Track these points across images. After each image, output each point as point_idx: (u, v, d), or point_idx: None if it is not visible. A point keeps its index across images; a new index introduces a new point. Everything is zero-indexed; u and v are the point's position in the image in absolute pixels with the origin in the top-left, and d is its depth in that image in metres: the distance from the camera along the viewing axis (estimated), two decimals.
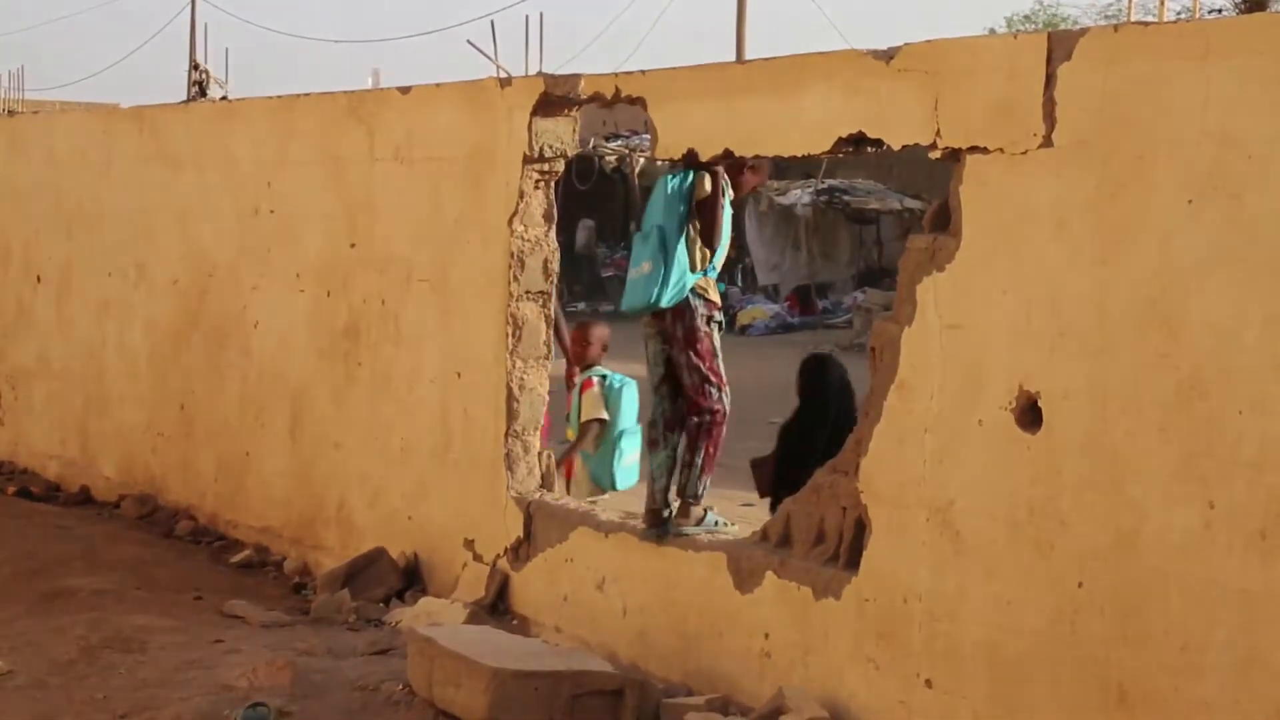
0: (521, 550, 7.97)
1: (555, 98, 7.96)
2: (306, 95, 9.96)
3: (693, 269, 7.22)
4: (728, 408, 7.33)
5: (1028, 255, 5.56)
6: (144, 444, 11.27)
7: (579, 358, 8.85)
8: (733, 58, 31.70)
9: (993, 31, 38.62)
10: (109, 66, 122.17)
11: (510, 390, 8.10)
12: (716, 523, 7.29)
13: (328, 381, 9.46)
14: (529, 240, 8.14)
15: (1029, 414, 5.55)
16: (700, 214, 7.25)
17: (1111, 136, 5.28)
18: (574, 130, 8.15)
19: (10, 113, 24.43)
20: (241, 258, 10.29)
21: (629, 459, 8.74)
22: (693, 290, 7.23)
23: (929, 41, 6.00)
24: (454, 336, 8.51)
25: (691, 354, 7.23)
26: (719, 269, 7.41)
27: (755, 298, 30.69)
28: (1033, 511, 5.52)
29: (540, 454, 8.25)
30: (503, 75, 9.01)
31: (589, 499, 8.42)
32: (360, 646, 7.45)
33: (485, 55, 17.09)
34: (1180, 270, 5.09)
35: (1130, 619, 5.21)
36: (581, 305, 29.11)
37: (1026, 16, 47.61)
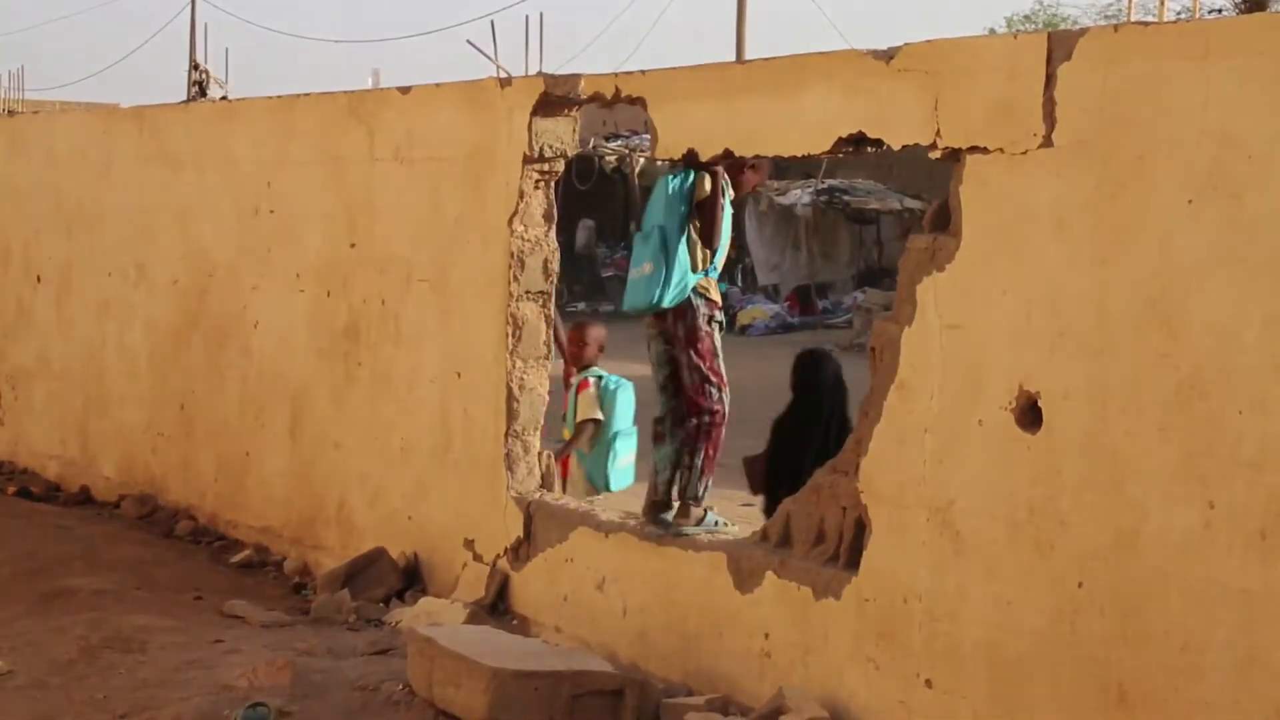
0: (521, 550, 7.98)
1: (555, 98, 7.96)
2: (306, 95, 9.96)
3: (694, 269, 7.23)
4: (727, 408, 7.33)
5: (1028, 255, 5.56)
6: (144, 444, 11.27)
7: (576, 358, 8.85)
8: (733, 58, 31.70)
9: (993, 31, 38.63)
10: (109, 66, 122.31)
11: (510, 390, 8.10)
12: (716, 523, 7.29)
13: (328, 381, 9.46)
14: (529, 240, 8.14)
15: (1029, 414, 5.55)
16: (700, 214, 7.26)
17: (1111, 136, 5.28)
18: (574, 130, 8.15)
19: (10, 113, 24.44)
20: (241, 258, 10.29)
21: (623, 460, 8.75)
22: (694, 290, 7.24)
23: (929, 41, 6.00)
24: (454, 336, 8.51)
25: (692, 353, 7.24)
26: (720, 269, 7.42)
27: (755, 298, 30.71)
28: (1033, 511, 5.52)
29: (540, 454, 8.25)
30: (503, 75, 9.01)
31: (585, 499, 8.43)
32: (360, 646, 7.45)
33: (485, 55, 17.11)
34: (1180, 270, 5.09)
35: (1130, 619, 5.21)
36: (581, 305, 29.12)
37: (1026, 16, 47.68)
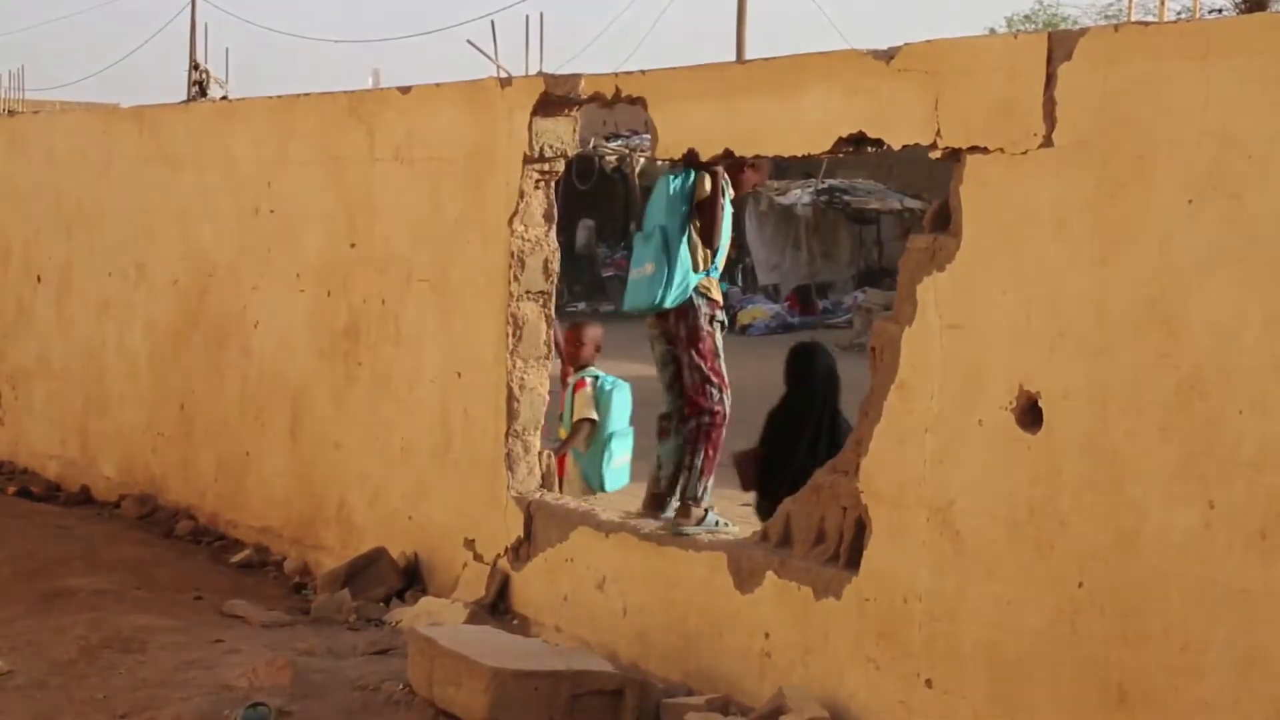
0: (522, 550, 7.98)
1: (555, 98, 7.96)
2: (306, 95, 9.96)
3: (695, 269, 7.23)
4: (728, 409, 7.34)
5: (1028, 255, 5.56)
6: (144, 444, 11.27)
7: (572, 358, 8.86)
8: (733, 58, 31.70)
9: (993, 31, 38.63)
10: (109, 66, 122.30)
11: (510, 390, 8.10)
12: (717, 523, 7.30)
13: (328, 381, 9.46)
14: (529, 240, 8.14)
15: (1029, 414, 5.55)
16: (701, 214, 7.26)
17: (1111, 136, 5.28)
18: (574, 130, 8.15)
19: (10, 113, 24.43)
20: (241, 258, 10.29)
21: (619, 461, 8.77)
22: (696, 290, 7.25)
23: (929, 41, 6.00)
24: (454, 336, 8.51)
25: (693, 353, 7.24)
26: (721, 268, 7.42)
27: (755, 298, 30.71)
28: (1033, 511, 5.52)
29: (541, 454, 8.25)
30: (503, 75, 9.01)
31: (580, 499, 8.44)
32: (360, 646, 7.45)
33: (485, 55, 17.12)
34: (1180, 270, 5.09)
35: (1130, 619, 5.21)
36: (581, 305, 29.13)
37: (1026, 16, 47.70)
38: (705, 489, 7.32)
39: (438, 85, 8.83)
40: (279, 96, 10.39)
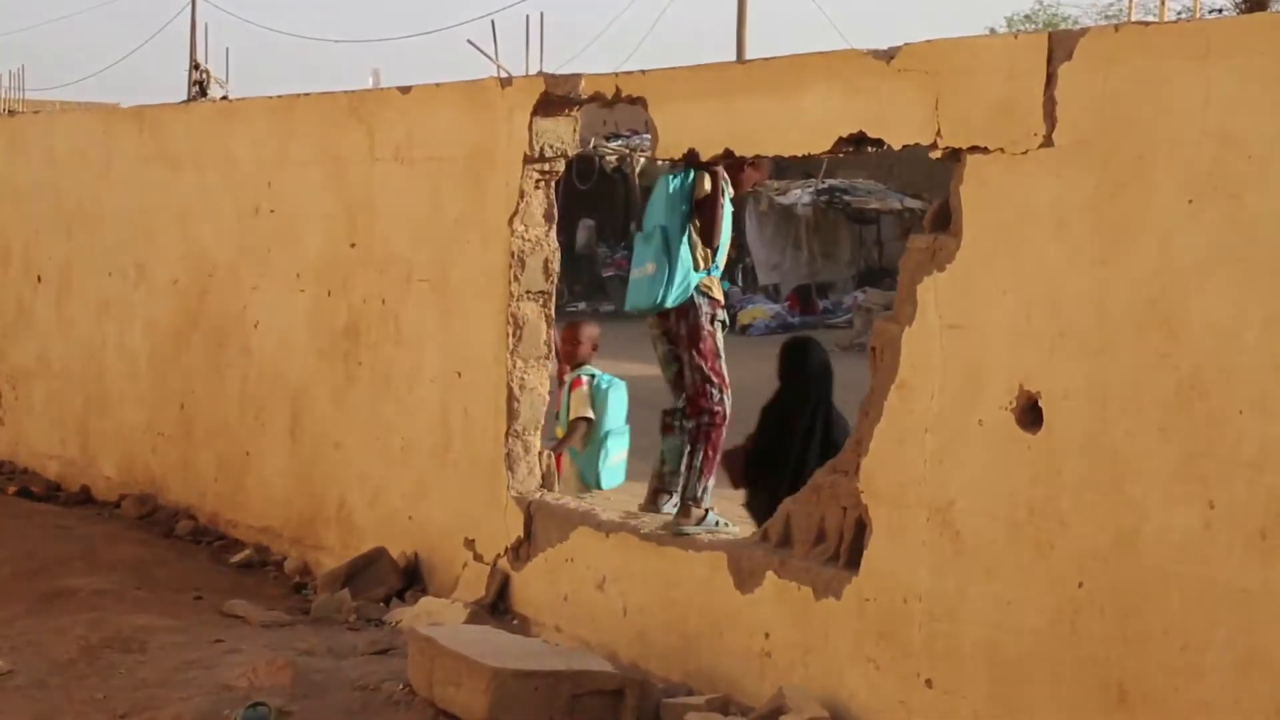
0: (522, 550, 7.98)
1: (555, 98, 7.96)
2: (306, 95, 9.96)
3: (696, 268, 7.23)
4: (728, 410, 7.34)
5: (1028, 255, 5.56)
6: (144, 444, 11.27)
7: (569, 356, 8.86)
8: (733, 58, 31.70)
9: (993, 31, 38.63)
10: (109, 66, 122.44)
11: (511, 390, 8.10)
12: (717, 523, 7.30)
13: (328, 381, 9.47)
14: (529, 240, 8.14)
15: (1029, 414, 5.55)
16: (700, 213, 7.26)
17: (1111, 136, 5.28)
18: (574, 130, 8.15)
19: (10, 113, 24.43)
20: (241, 258, 10.29)
21: (615, 459, 8.78)
22: (697, 289, 7.25)
23: (929, 41, 6.00)
24: (454, 336, 8.51)
25: (694, 353, 7.24)
26: (722, 267, 7.42)
27: (756, 297, 30.71)
28: (1033, 511, 5.52)
29: (541, 454, 8.25)
30: (503, 75, 9.01)
31: (575, 497, 8.46)
32: (360, 646, 7.45)
33: (485, 55, 17.12)
34: (1180, 270, 5.09)
35: (1130, 619, 5.21)
36: (582, 305, 29.13)
37: (1026, 16, 47.69)
38: (705, 489, 7.32)
39: (438, 85, 8.83)
40: (279, 96, 10.40)
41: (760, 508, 7.78)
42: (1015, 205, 5.60)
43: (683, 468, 7.34)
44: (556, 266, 8.25)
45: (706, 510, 7.29)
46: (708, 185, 7.24)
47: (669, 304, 7.20)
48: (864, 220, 31.94)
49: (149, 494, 11.13)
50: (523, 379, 8.12)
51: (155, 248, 11.21)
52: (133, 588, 8.78)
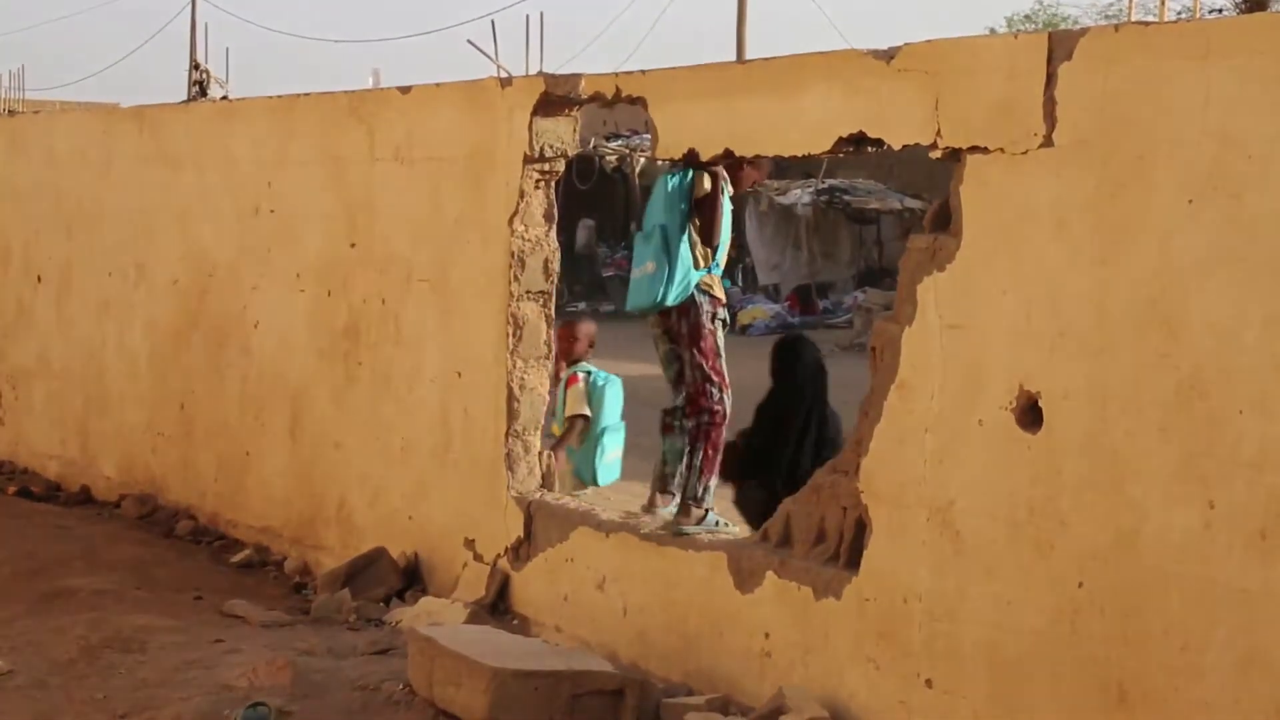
0: (522, 550, 7.98)
1: (556, 97, 7.96)
2: (306, 95, 9.96)
3: (696, 266, 7.23)
4: (728, 409, 7.34)
5: (1028, 255, 5.56)
6: (144, 444, 11.27)
7: (566, 353, 8.88)
8: (733, 58, 31.71)
9: (993, 31, 38.63)
10: (109, 66, 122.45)
11: (511, 390, 8.10)
12: (717, 523, 7.30)
13: (328, 381, 9.46)
14: (529, 240, 8.14)
15: (1029, 414, 5.55)
16: (700, 211, 7.26)
17: (1111, 136, 5.28)
18: (574, 130, 8.15)
19: (10, 113, 24.42)
20: (241, 258, 10.29)
21: (610, 455, 8.81)
22: (698, 287, 7.25)
23: (929, 41, 6.00)
24: (454, 336, 8.52)
25: (695, 351, 7.24)
26: (722, 266, 7.43)
27: (756, 297, 30.72)
28: (1033, 511, 5.52)
29: (541, 454, 8.26)
30: (503, 75, 9.01)
31: (571, 494, 8.48)
32: (360, 646, 7.44)
33: (485, 55, 17.12)
34: (1180, 270, 5.09)
35: (1130, 619, 5.21)
36: (582, 305, 29.12)
37: (1026, 16, 47.68)
38: (706, 488, 7.32)
39: (438, 85, 8.83)
40: (279, 96, 10.40)
41: (751, 505, 7.80)
42: (1015, 205, 5.60)
43: (682, 467, 7.34)
44: (556, 266, 8.25)
45: (707, 510, 7.29)
46: (707, 184, 7.24)
47: (670, 302, 7.20)
48: (864, 220, 31.94)
49: (149, 494, 11.13)
50: (523, 379, 8.12)
51: (155, 248, 11.21)
52: (133, 588, 8.78)
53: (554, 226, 8.24)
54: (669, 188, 7.28)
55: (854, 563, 6.21)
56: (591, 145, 29.09)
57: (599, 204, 32.33)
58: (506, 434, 8.12)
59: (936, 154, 5.90)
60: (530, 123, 8.00)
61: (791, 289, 30.90)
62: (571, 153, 8.17)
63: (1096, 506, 5.31)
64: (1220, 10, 31.51)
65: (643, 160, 30.33)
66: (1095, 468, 5.31)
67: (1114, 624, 5.25)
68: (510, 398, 8.10)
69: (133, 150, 11.56)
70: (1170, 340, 5.10)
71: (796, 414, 7.80)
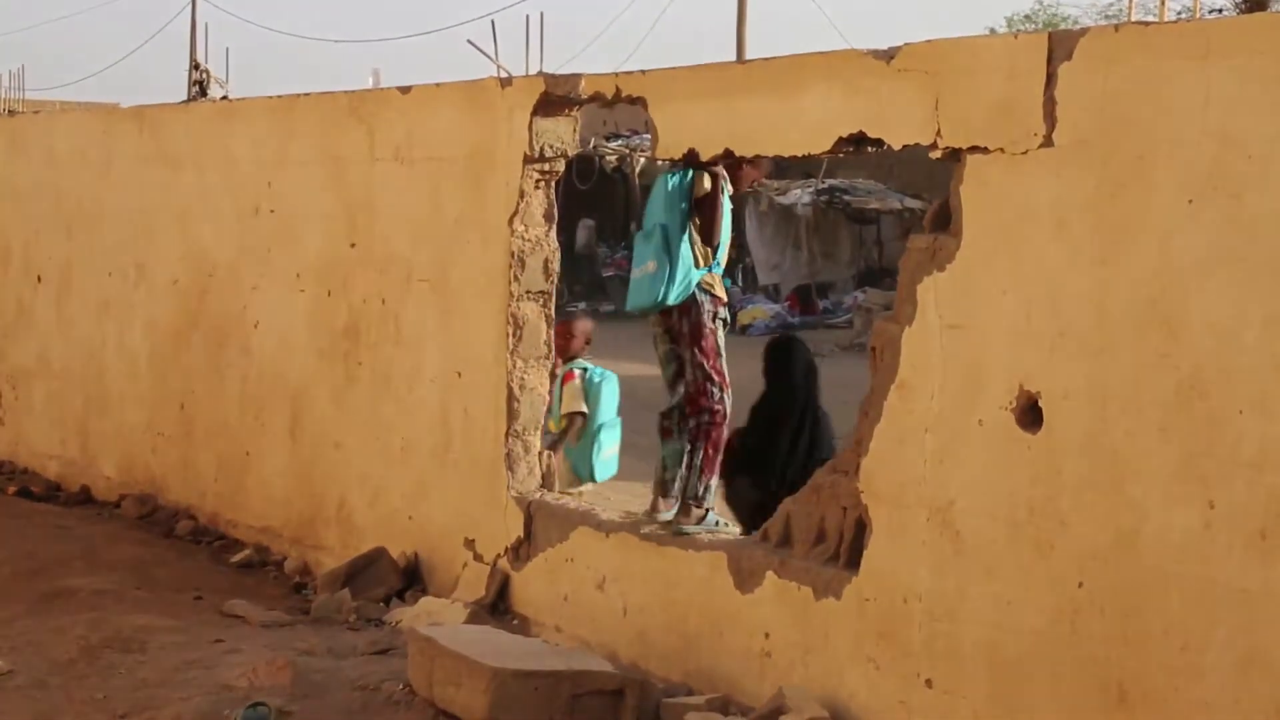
0: (522, 550, 7.98)
1: (556, 97, 7.96)
2: (306, 95, 9.96)
3: (696, 265, 7.23)
4: (728, 409, 7.34)
5: (1028, 255, 5.56)
6: (144, 444, 11.28)
7: (561, 350, 8.88)
8: (733, 58, 31.70)
9: (993, 31, 38.63)
10: (109, 66, 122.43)
11: (511, 390, 8.10)
12: (717, 523, 7.30)
13: (328, 381, 9.47)
14: (529, 240, 8.14)
15: (1029, 414, 5.55)
16: (700, 211, 7.27)
17: (1111, 136, 5.28)
18: (574, 130, 8.16)
19: (10, 113, 24.42)
20: (241, 258, 10.29)
21: (608, 451, 8.84)
22: (699, 286, 7.25)
23: (929, 41, 6.00)
24: (454, 336, 8.52)
25: (696, 351, 7.25)
26: (723, 265, 7.43)
27: (756, 297, 30.71)
28: (1033, 511, 5.52)
29: (541, 454, 8.26)
30: (503, 75, 9.01)
31: (567, 490, 8.49)
32: (360, 646, 7.45)
33: (485, 55, 17.11)
34: (1180, 270, 5.09)
35: (1130, 619, 5.21)
36: (582, 305, 29.11)
37: (1026, 16, 47.66)
38: (706, 487, 7.32)
39: (438, 85, 8.83)
40: (279, 96, 10.40)
41: (742, 503, 7.81)
42: (1015, 205, 5.60)
43: (683, 467, 7.34)
44: (556, 266, 8.25)
45: (707, 510, 7.29)
46: (707, 183, 7.24)
47: (671, 301, 7.20)
48: (864, 220, 31.94)
49: (149, 494, 11.13)
50: (523, 379, 8.13)
51: (155, 248, 11.21)
52: (133, 588, 8.78)
53: (554, 226, 8.24)
54: (669, 187, 7.28)
55: (854, 563, 6.21)
56: (591, 145, 29.09)
57: (599, 204, 32.32)
58: (506, 434, 8.12)
59: (936, 154, 5.90)
60: (530, 123, 8.00)
61: (791, 289, 30.90)
62: (571, 153, 8.17)
63: (1096, 506, 5.31)
64: (1220, 10, 31.50)
65: (643, 160, 30.33)
66: (1095, 468, 5.31)
67: (1114, 624, 5.25)
68: (510, 398, 8.10)
69: (133, 150, 11.56)
70: (1170, 340, 5.10)
71: (791, 413, 7.84)
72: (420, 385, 8.73)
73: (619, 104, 7.67)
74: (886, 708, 6.01)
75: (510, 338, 8.10)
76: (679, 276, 7.17)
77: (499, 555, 8.11)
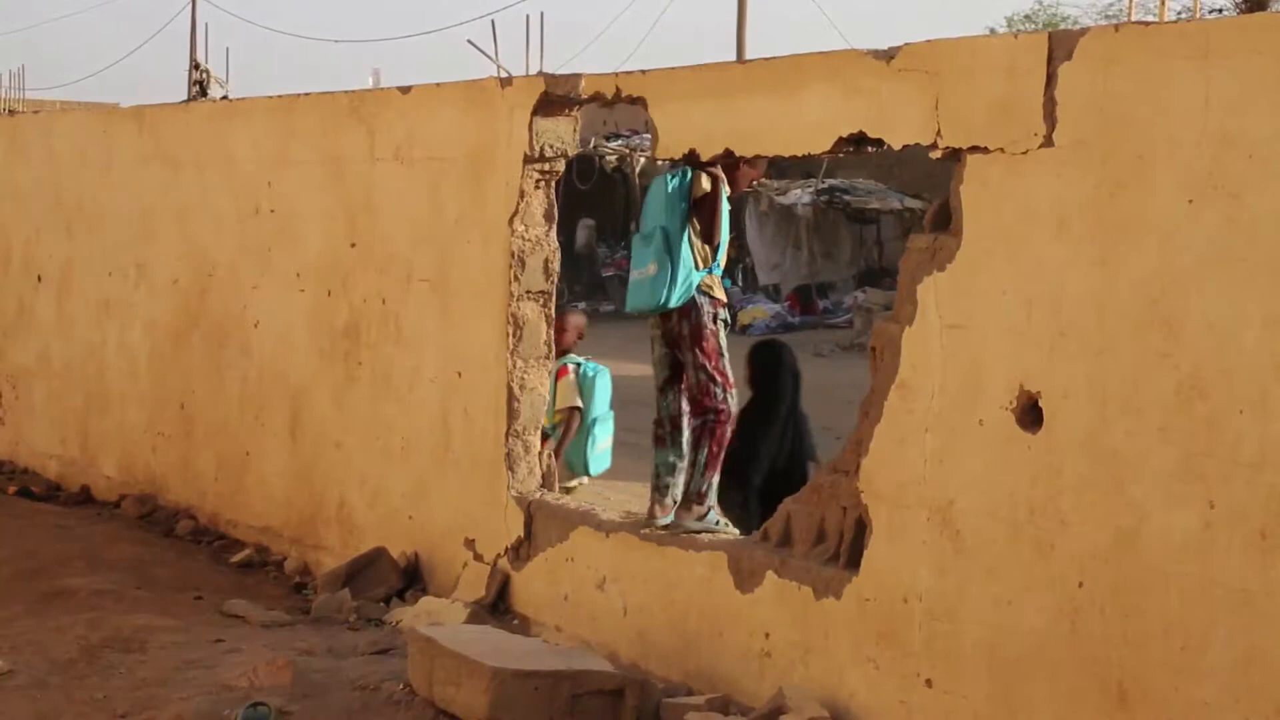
0: (522, 550, 7.98)
1: (556, 97, 7.96)
2: (306, 95, 9.96)
3: (697, 267, 7.23)
4: (733, 407, 7.34)
5: (1028, 255, 5.56)
6: (144, 443, 11.28)
7: (555, 345, 8.88)
8: (733, 58, 31.70)
9: (993, 31, 38.62)
10: (109, 66, 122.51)
11: (511, 390, 8.10)
12: (717, 522, 7.30)
13: (328, 381, 9.47)
14: (529, 240, 8.14)
15: (1029, 414, 5.55)
16: (699, 212, 7.26)
17: (1111, 136, 5.28)
18: (574, 130, 8.16)
19: (11, 112, 24.41)
20: (241, 257, 10.29)
21: (601, 445, 8.84)
22: (699, 288, 7.25)
23: (929, 41, 6.00)
24: (454, 336, 8.52)
25: (697, 352, 7.24)
26: (723, 266, 7.43)
27: (756, 297, 30.73)
28: (1033, 511, 5.52)
29: (541, 454, 8.26)
30: (503, 75, 9.01)
31: (563, 484, 8.49)
32: (361, 646, 7.45)
33: (485, 55, 17.06)
34: (1180, 270, 5.09)
35: (1130, 619, 5.21)
36: (582, 305, 29.13)
37: (1026, 16, 47.67)
38: (709, 485, 7.32)
39: (438, 85, 8.83)
40: (279, 96, 10.39)
41: (731, 504, 7.82)
42: (1015, 205, 5.60)
43: (687, 464, 7.34)
44: (556, 266, 8.25)
45: (709, 508, 7.29)
46: (706, 184, 7.23)
47: (672, 304, 7.20)
48: (864, 220, 31.97)
49: (149, 494, 11.13)
50: (523, 379, 8.13)
51: (155, 247, 11.21)
52: (133, 588, 8.78)
53: (554, 226, 8.24)
54: (668, 188, 7.28)
55: (854, 563, 6.21)
56: (591, 145, 29.11)
57: (599, 204, 32.35)
58: (506, 434, 8.12)
59: (936, 154, 5.90)
60: (530, 123, 8.00)
61: (791, 289, 30.93)
62: (571, 153, 8.17)
63: (1096, 506, 5.31)
64: (1220, 10, 31.50)
65: (643, 160, 30.33)
66: (1095, 468, 5.31)
67: (1114, 624, 5.25)
68: (510, 397, 8.10)
69: (133, 150, 11.56)
70: (1170, 340, 5.11)
71: (779, 416, 7.91)
72: (420, 385, 8.73)
73: (619, 104, 7.67)
74: (886, 707, 6.01)
75: (510, 338, 8.11)
76: (680, 279, 7.17)
77: (499, 555, 8.11)
